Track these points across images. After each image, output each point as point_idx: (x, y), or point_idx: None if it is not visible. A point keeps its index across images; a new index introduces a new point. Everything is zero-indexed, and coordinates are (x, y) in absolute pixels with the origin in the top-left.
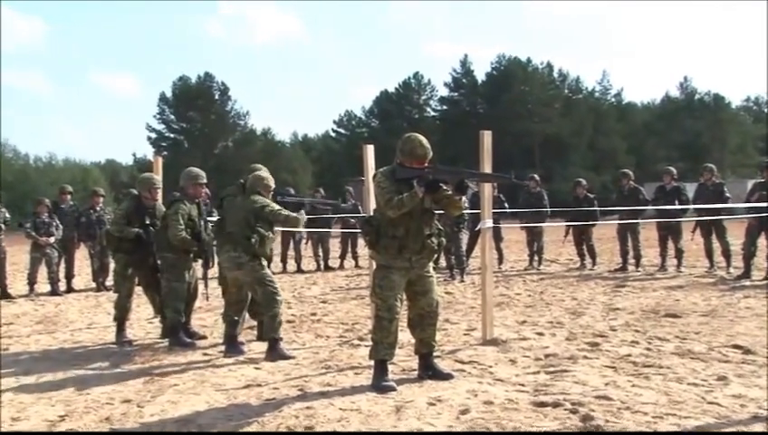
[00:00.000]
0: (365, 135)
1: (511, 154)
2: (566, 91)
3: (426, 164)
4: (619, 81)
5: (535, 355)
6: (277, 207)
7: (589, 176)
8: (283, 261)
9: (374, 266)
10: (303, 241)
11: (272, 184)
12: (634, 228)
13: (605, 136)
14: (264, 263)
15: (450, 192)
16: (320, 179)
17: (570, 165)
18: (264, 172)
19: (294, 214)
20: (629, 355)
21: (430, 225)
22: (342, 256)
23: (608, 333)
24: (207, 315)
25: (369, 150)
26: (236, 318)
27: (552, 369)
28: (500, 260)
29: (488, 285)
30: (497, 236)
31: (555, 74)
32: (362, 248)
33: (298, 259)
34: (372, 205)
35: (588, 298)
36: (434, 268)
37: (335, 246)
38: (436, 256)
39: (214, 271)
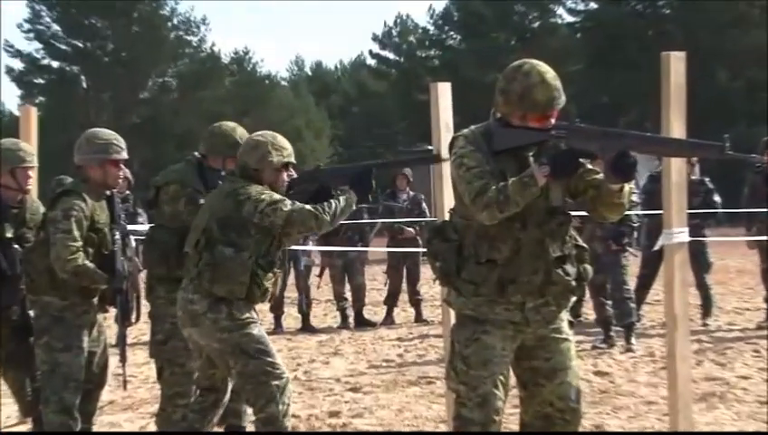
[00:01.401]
0: (434, 63)
1: (725, 97)
2: None
3: (553, 121)
4: None
5: None
6: (275, 197)
7: None
8: (277, 310)
9: (452, 320)
10: (314, 269)
11: (275, 157)
12: None
13: None
14: (243, 314)
15: (602, 175)
16: (347, 150)
17: None
18: (261, 136)
19: (309, 206)
20: None
21: (562, 239)
22: (391, 300)
23: None
24: (125, 417)
25: (442, 93)
26: (197, 426)
27: None
28: (706, 309)
29: (681, 358)
30: (700, 261)
31: None
32: (429, 284)
33: (304, 306)
34: (448, 200)
35: None
36: (571, 324)
37: (376, 278)
38: (573, 299)
39: (139, 329)
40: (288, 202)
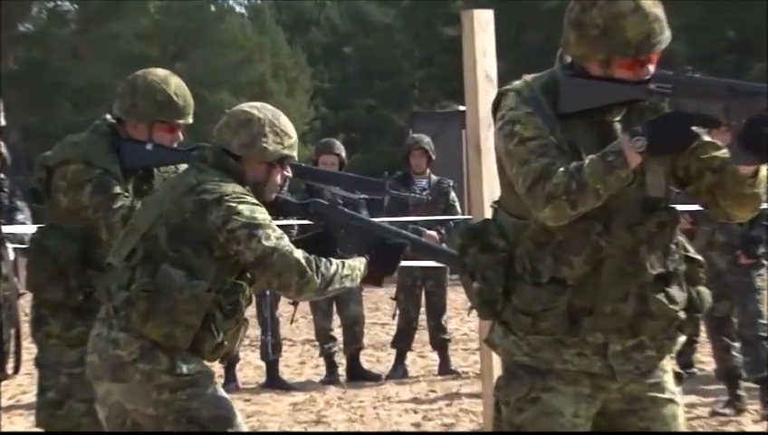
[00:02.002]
0: None
1: None
2: None
3: (651, 69)
4: None
5: None
6: (258, 217)
7: None
8: (227, 360)
9: (497, 370)
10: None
11: (271, 144)
12: None
13: None
14: (192, 365)
15: (725, 151)
16: (336, 112)
17: None
18: (258, 109)
19: (301, 254)
20: None
21: (664, 248)
22: (402, 341)
23: None
24: None
25: (481, 26)
26: None
27: None
28: None
29: None
30: None
31: None
32: (461, 317)
33: (271, 349)
34: (490, 187)
35: None
36: (679, 377)
37: (380, 307)
38: (682, 340)
39: (19, 385)
40: (274, 233)
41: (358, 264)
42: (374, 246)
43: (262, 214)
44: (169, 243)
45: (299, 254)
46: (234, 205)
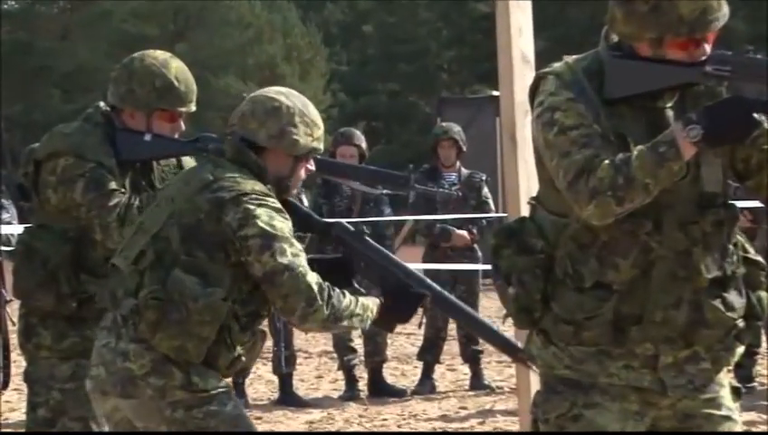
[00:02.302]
0: None
1: None
2: None
3: (708, 49)
4: None
5: None
6: (277, 226)
7: None
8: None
9: (534, 384)
10: None
11: (302, 136)
12: None
13: None
14: (209, 381)
15: None
16: (355, 99)
17: None
18: (285, 95)
19: (315, 278)
20: None
21: (721, 249)
22: (430, 352)
23: None
24: None
25: (517, 2)
26: None
27: None
28: None
29: None
30: None
31: None
32: (495, 325)
33: (284, 362)
34: (528, 182)
35: None
36: (738, 393)
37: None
38: (740, 350)
39: (6, 401)
40: (290, 248)
41: (371, 304)
42: (392, 291)
43: (281, 222)
44: (182, 245)
45: (312, 278)
46: (252, 207)
